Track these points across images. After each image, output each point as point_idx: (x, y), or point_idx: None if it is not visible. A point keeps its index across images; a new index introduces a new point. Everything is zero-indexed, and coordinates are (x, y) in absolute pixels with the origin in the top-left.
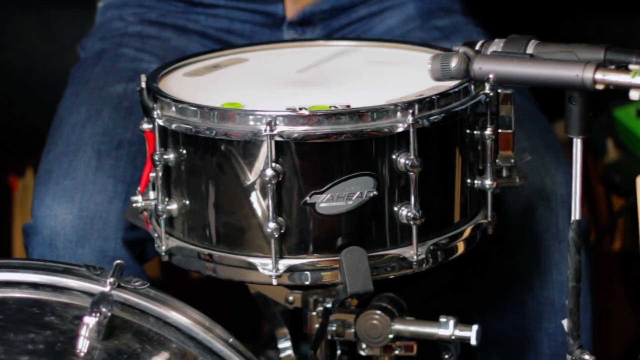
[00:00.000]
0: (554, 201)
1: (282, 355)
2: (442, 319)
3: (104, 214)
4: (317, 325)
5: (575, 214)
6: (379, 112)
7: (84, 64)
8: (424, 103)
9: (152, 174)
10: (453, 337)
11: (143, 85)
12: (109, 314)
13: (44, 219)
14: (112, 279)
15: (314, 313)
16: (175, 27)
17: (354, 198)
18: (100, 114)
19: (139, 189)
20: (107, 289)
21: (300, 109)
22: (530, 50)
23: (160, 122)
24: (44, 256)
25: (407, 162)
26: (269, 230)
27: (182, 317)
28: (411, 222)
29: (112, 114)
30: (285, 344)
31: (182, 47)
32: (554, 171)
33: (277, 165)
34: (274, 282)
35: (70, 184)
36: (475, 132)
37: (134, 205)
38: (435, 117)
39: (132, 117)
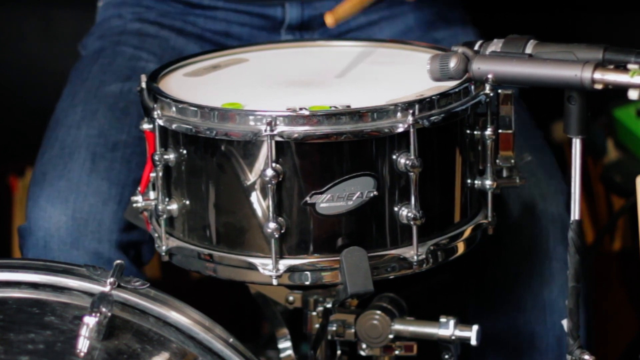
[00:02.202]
0: (542, 207)
1: (282, 355)
2: (442, 319)
3: (98, 215)
4: (317, 325)
5: (575, 213)
6: (379, 112)
7: (82, 62)
8: (424, 103)
9: (153, 174)
10: (453, 337)
11: (143, 85)
12: (109, 314)
13: (38, 220)
14: (112, 279)
15: (314, 313)
16: (173, 28)
17: (354, 198)
18: (95, 114)
19: (139, 189)
20: (107, 289)
21: (301, 109)
22: (529, 50)
23: (160, 122)
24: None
25: (407, 162)
26: (269, 230)
27: (182, 317)
28: (411, 222)
29: (107, 114)
30: (285, 344)
31: (181, 47)
32: (546, 185)
33: (277, 166)
34: (274, 282)
35: (64, 186)
36: (475, 132)
37: (134, 205)
38: (435, 117)
39: (127, 118)
